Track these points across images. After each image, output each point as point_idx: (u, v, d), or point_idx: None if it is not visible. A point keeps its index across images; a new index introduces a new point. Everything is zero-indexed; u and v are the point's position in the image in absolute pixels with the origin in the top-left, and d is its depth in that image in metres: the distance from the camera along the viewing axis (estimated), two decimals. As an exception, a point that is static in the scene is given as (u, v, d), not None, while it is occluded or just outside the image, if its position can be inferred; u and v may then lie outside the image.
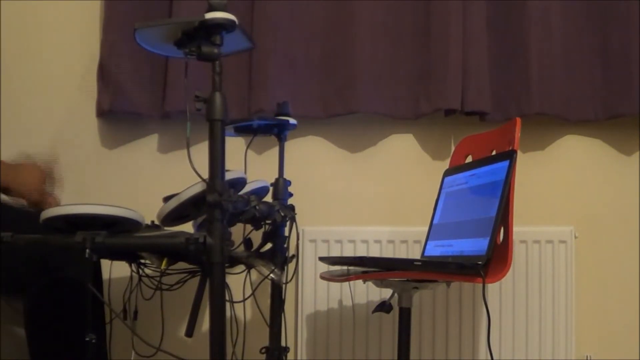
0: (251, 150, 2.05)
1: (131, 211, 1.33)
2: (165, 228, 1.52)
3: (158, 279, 1.51)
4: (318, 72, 2.02)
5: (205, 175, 1.25)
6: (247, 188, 1.59)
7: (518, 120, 1.56)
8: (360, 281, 1.82)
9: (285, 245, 1.71)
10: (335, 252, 1.99)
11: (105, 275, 1.71)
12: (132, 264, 1.52)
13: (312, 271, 1.97)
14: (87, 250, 1.23)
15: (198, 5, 1.90)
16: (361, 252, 1.99)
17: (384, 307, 1.58)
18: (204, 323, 1.96)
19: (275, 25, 1.98)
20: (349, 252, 1.99)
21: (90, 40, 2.03)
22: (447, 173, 1.82)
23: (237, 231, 1.63)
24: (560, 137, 2.16)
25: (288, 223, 1.67)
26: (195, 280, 1.31)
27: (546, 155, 2.15)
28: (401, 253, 2.00)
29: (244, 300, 1.88)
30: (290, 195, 1.77)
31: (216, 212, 1.22)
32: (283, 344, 1.75)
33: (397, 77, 2.04)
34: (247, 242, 1.63)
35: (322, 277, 1.68)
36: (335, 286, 1.98)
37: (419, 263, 1.48)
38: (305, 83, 2.02)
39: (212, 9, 1.23)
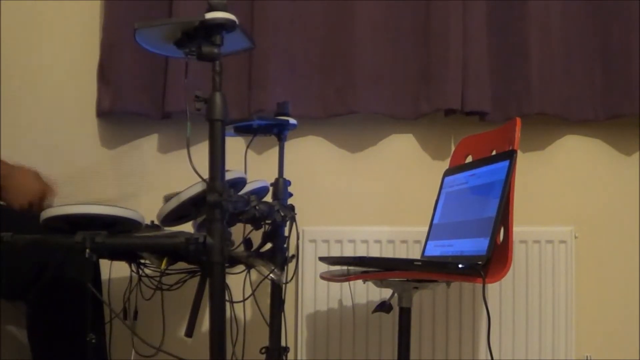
0: (251, 150, 2.05)
1: (131, 211, 1.33)
2: (165, 228, 1.52)
3: (158, 279, 1.51)
4: (318, 72, 2.02)
5: (205, 175, 1.25)
6: (247, 188, 1.59)
7: (518, 120, 1.56)
8: (360, 281, 1.82)
9: (285, 245, 1.71)
10: (335, 252, 1.99)
11: (105, 275, 1.71)
12: (132, 264, 1.52)
13: (312, 271, 1.97)
14: (87, 250, 1.23)
15: (198, 5, 1.90)
16: (361, 252, 1.99)
17: (384, 307, 1.58)
18: (204, 323, 1.96)
19: (275, 25, 1.98)
20: (349, 252, 1.99)
21: (90, 40, 2.03)
22: (447, 173, 1.82)
23: (237, 231, 1.63)
24: (560, 137, 2.16)
25: (288, 223, 1.67)
26: (195, 280, 1.31)
27: (546, 155, 2.15)
28: (401, 253, 2.00)
29: (244, 300, 1.88)
30: (290, 195, 1.77)
31: (216, 212, 1.22)
32: (283, 344, 1.75)
33: (397, 77, 2.04)
34: (247, 242, 1.63)
35: (322, 277, 1.68)
36: (335, 286, 1.98)
37: (419, 263, 1.48)
38: (305, 83, 2.02)
39: (212, 9, 1.23)
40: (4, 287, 1.51)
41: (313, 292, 1.98)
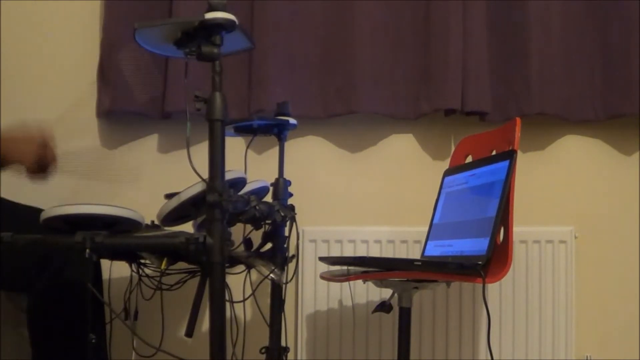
0: (251, 150, 2.05)
1: (131, 211, 1.33)
2: (165, 228, 1.52)
3: (158, 279, 1.51)
4: (318, 72, 2.02)
5: (205, 175, 1.25)
6: (247, 188, 1.59)
7: (518, 120, 1.56)
8: (360, 281, 1.82)
9: (285, 245, 1.71)
10: (335, 252, 1.99)
11: (105, 275, 1.71)
12: (132, 264, 1.52)
13: (312, 271, 1.97)
14: (87, 250, 1.23)
15: (198, 5, 1.89)
16: (361, 252, 1.99)
17: (384, 307, 1.58)
18: (204, 323, 1.96)
19: (275, 25, 1.97)
20: (349, 252, 1.99)
21: (90, 40, 2.03)
22: (447, 173, 1.82)
23: (237, 231, 1.63)
24: (560, 137, 2.16)
25: (288, 223, 1.67)
26: (195, 280, 1.31)
27: (546, 155, 2.15)
28: (401, 253, 2.00)
29: (244, 300, 1.88)
30: (290, 195, 1.77)
31: (216, 212, 1.22)
32: (283, 344, 1.75)
33: (397, 77, 2.04)
34: (247, 242, 1.63)
35: (322, 277, 1.68)
36: (335, 286, 1.98)
37: (419, 263, 1.48)
38: (305, 83, 2.02)
39: (212, 9, 1.23)
40: (6, 277, 1.51)
41: (313, 292, 1.98)
